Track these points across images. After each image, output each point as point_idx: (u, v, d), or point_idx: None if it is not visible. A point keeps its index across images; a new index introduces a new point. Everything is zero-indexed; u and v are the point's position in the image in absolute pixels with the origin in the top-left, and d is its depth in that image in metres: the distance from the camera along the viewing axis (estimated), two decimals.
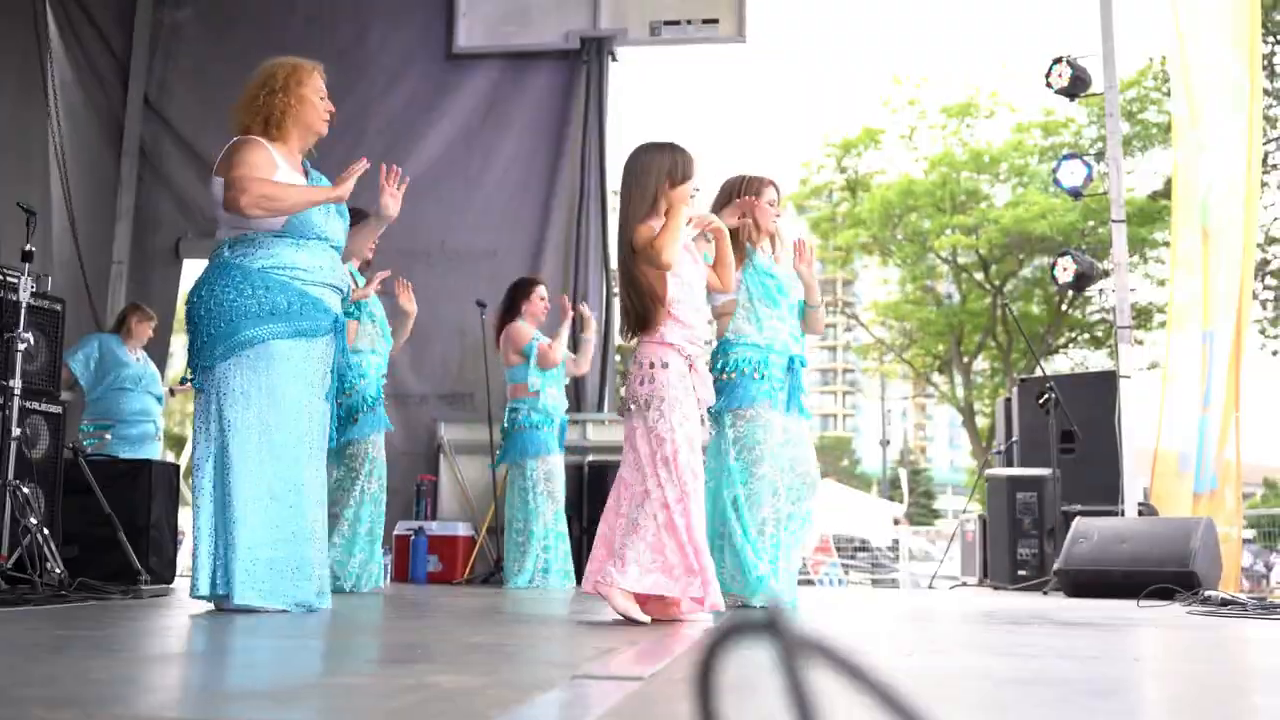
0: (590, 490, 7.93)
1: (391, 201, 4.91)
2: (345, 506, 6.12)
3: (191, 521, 4.05)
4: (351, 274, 5.86)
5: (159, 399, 7.60)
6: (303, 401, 4.08)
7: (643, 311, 4.02)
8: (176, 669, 2.37)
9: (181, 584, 6.16)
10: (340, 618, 3.86)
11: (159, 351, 8.39)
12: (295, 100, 4.24)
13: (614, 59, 9.31)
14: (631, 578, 3.76)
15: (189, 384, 4.20)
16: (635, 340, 4.14)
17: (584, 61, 9.19)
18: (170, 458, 7.98)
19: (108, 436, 6.92)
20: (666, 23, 9.14)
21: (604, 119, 9.14)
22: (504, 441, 7.27)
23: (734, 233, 4.98)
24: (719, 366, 4.95)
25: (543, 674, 2.41)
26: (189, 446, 5.07)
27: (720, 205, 5.13)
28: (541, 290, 7.41)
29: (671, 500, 3.87)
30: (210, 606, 4.02)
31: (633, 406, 4.03)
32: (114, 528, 5.20)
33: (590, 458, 8.20)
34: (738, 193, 5.11)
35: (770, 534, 4.75)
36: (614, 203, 9.69)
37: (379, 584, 6.30)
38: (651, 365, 4.03)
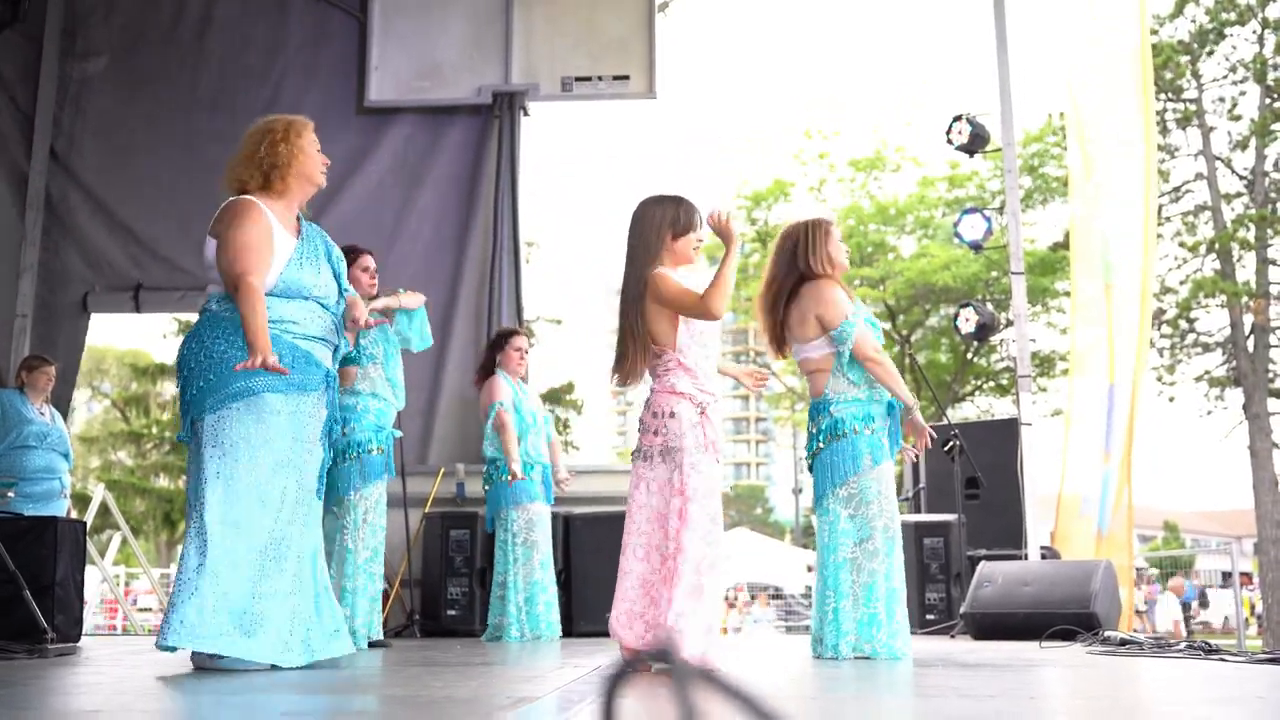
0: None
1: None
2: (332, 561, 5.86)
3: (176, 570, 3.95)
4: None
5: (66, 456, 7.47)
6: (290, 455, 4.02)
7: (633, 359, 4.01)
8: None
9: (88, 643, 6.05)
10: (254, 673, 3.84)
11: (63, 405, 8.26)
12: (297, 151, 4.28)
13: (526, 114, 9.42)
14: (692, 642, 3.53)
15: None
16: (620, 383, 4.10)
17: (496, 116, 9.28)
18: (74, 515, 7.82)
19: (10, 494, 6.80)
20: (578, 79, 9.27)
21: (516, 173, 9.23)
22: (486, 493, 7.16)
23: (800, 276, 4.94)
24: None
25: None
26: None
27: (787, 253, 4.99)
28: (518, 341, 7.23)
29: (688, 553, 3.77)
30: (174, 656, 3.96)
31: (643, 456, 4.01)
32: (18, 585, 5.10)
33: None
34: (807, 239, 4.97)
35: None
36: (526, 254, 9.78)
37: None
38: (660, 414, 4.01)
